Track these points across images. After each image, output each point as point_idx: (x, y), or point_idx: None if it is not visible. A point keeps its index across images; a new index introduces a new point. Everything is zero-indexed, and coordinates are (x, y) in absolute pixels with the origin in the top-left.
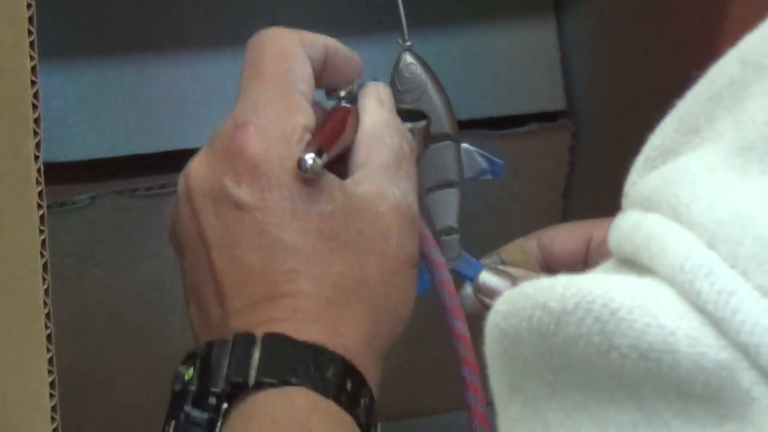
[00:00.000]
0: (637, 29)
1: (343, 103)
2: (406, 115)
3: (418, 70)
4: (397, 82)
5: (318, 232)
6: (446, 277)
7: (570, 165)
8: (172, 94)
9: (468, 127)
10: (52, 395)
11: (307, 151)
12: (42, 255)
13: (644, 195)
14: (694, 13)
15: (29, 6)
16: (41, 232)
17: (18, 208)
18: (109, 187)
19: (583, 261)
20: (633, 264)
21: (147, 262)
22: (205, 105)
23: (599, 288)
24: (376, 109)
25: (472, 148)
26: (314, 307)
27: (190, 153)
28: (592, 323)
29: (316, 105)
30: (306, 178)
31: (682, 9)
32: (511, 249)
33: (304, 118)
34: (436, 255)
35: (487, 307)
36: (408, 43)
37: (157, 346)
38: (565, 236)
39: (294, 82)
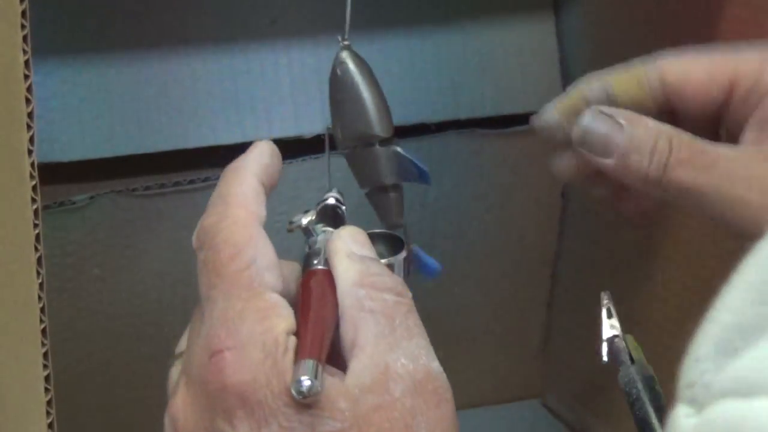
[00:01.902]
0: (637, 29)
1: (307, 247)
2: (385, 240)
3: (350, 68)
4: (332, 81)
5: None
6: None
7: None
8: (172, 94)
9: (467, 126)
10: (47, 389)
11: (299, 372)
12: (36, 249)
13: (742, 381)
14: (692, 13)
15: (22, 0)
16: (35, 226)
17: (12, 203)
18: (109, 187)
19: (717, 112)
20: None
21: (146, 262)
22: (205, 105)
23: None
24: (346, 269)
25: (402, 152)
26: None
27: (190, 153)
28: None
29: (281, 264)
30: (306, 403)
31: (681, 9)
32: (626, 79)
33: (282, 321)
34: None
35: (589, 164)
36: (346, 42)
37: (156, 346)
38: (701, 80)
39: (259, 277)
